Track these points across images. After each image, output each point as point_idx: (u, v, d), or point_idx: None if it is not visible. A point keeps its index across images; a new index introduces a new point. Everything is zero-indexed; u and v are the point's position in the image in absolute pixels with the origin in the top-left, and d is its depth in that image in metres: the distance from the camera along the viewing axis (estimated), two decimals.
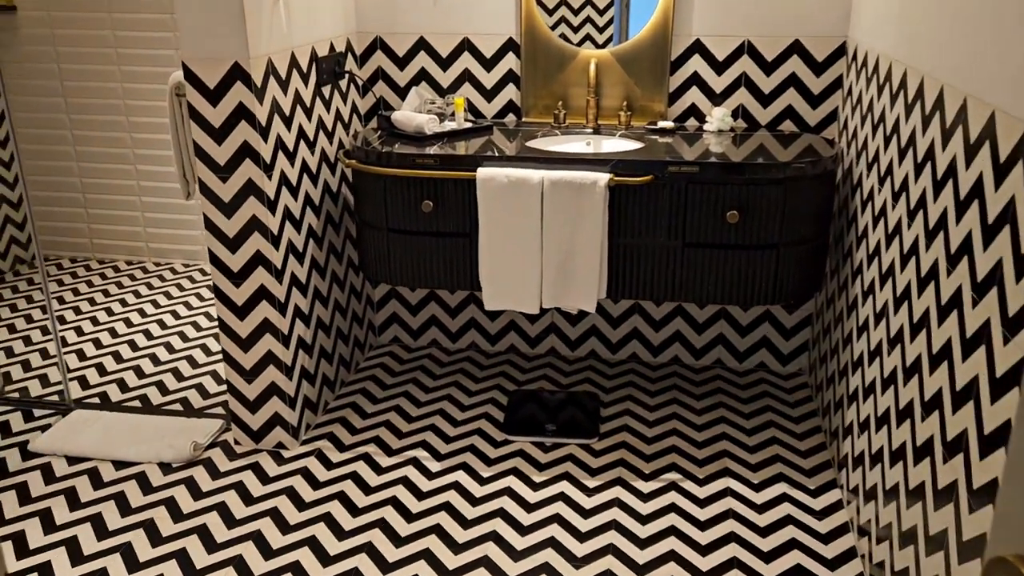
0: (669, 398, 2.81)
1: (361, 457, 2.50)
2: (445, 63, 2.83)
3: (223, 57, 2.15)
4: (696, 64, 2.70)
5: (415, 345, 3.20)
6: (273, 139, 2.28)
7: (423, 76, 2.86)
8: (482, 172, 2.32)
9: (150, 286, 3.75)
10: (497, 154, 2.38)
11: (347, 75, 2.74)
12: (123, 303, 3.59)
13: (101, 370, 3.04)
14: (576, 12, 2.73)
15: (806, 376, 2.93)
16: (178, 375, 2.99)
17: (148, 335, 3.30)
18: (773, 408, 2.75)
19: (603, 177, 2.26)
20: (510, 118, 2.87)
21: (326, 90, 2.61)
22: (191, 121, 2.23)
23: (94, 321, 3.42)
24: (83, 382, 2.96)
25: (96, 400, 2.83)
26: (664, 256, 2.36)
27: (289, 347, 2.45)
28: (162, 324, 3.39)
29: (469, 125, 2.69)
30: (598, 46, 2.73)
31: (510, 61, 2.80)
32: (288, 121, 2.36)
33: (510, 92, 2.84)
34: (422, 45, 2.82)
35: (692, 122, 2.77)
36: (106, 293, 3.68)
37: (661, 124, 2.66)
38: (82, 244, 4.05)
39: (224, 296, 2.39)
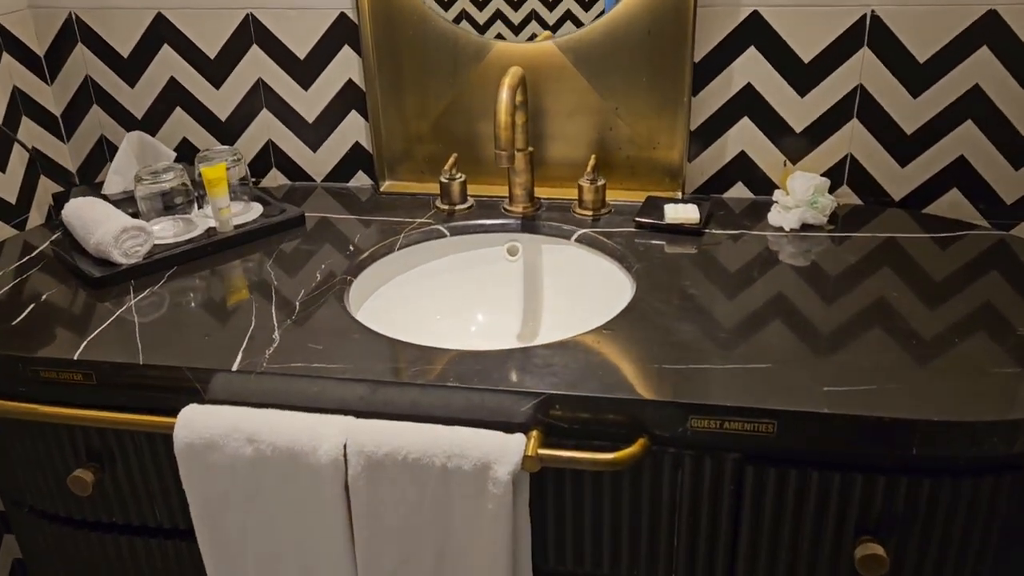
0: None
1: None
2: (214, 71, 1.35)
3: None
4: (753, 67, 1.20)
5: None
6: None
7: (177, 99, 1.38)
8: (186, 426, 0.87)
9: None
10: (239, 365, 0.92)
11: None
12: None
13: None
14: None
15: None
16: None
17: None
18: None
19: (509, 450, 0.81)
20: (360, 181, 1.40)
21: None
22: None
23: None
24: None
25: None
26: None
27: None
28: None
29: (253, 217, 1.23)
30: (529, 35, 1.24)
31: (346, 64, 1.31)
32: None
33: (353, 128, 1.36)
34: (164, 33, 1.33)
35: (738, 192, 1.29)
36: None
37: (674, 213, 1.18)
38: None
39: None
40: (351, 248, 1.16)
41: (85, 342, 0.95)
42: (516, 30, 1.23)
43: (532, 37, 1.23)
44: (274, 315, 0.99)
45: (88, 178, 1.46)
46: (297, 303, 1.02)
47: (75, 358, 0.92)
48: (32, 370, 0.93)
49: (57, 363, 0.92)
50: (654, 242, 1.15)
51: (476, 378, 0.85)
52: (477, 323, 1.19)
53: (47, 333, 0.97)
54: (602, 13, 1.20)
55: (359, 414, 0.86)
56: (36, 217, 1.38)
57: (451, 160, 1.27)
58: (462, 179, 1.27)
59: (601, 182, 1.22)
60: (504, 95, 1.06)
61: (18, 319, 1.01)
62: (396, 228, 1.21)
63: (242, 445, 0.85)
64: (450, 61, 1.27)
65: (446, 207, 1.27)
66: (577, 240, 1.19)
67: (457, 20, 1.24)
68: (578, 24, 1.21)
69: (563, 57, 1.24)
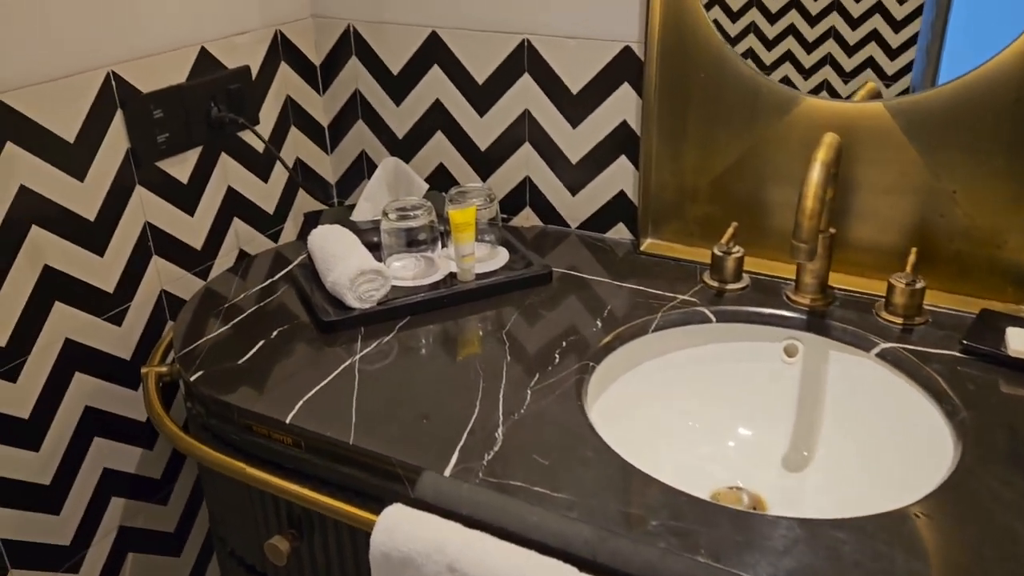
0: None
1: None
2: (481, 97, 1.24)
3: None
4: None
5: None
6: None
7: (439, 123, 1.30)
8: (385, 531, 0.76)
9: None
10: (453, 468, 0.80)
11: (242, 126, 1.24)
12: None
13: None
14: None
15: None
16: None
17: None
18: None
19: None
20: (618, 234, 1.24)
21: (179, 166, 1.15)
22: None
23: None
24: None
25: None
26: None
27: None
28: None
29: (497, 266, 1.11)
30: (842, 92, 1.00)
31: (623, 103, 1.15)
32: None
33: (619, 176, 1.19)
34: (436, 53, 1.25)
35: None
36: None
37: (1021, 341, 0.90)
38: None
39: None
40: (599, 323, 1.00)
41: (301, 401, 0.87)
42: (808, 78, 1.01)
43: (843, 93, 0.99)
44: (501, 403, 0.86)
45: (345, 191, 1.43)
46: (529, 391, 0.88)
47: (287, 421, 0.84)
48: (245, 423, 0.87)
49: (268, 422, 0.85)
50: (989, 377, 0.88)
51: (734, 553, 0.66)
52: (736, 437, 0.98)
53: (268, 381, 0.91)
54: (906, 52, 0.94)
55: (581, 563, 0.71)
56: (291, 229, 1.36)
57: (730, 231, 1.07)
58: (739, 254, 1.06)
59: (920, 285, 0.97)
60: (815, 174, 0.84)
61: (245, 357, 0.96)
62: (653, 303, 1.04)
63: (442, 571, 0.72)
64: (746, 113, 1.06)
65: (715, 283, 1.07)
66: (879, 355, 0.94)
67: (735, 42, 1.04)
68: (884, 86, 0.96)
69: (892, 121, 0.99)
